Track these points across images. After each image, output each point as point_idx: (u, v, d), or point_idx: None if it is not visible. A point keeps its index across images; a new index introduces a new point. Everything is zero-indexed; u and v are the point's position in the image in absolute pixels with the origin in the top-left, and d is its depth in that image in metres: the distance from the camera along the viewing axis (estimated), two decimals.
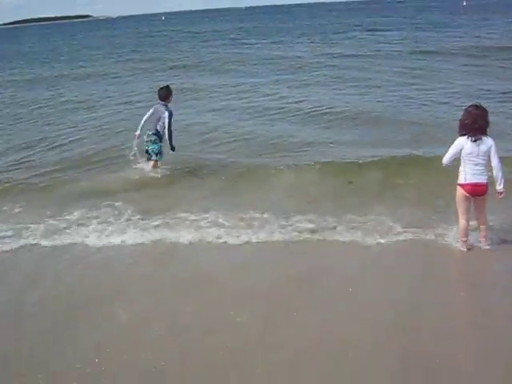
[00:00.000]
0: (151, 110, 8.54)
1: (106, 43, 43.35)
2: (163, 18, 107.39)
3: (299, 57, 23.46)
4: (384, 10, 71.90)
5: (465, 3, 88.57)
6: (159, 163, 8.53)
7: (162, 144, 8.42)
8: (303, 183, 7.80)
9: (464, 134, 5.61)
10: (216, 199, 7.31)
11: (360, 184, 7.64)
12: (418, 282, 5.13)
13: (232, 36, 40.94)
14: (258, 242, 5.97)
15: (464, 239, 5.76)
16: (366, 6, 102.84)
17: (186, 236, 6.19)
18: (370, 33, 34.18)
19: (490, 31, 29.21)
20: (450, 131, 6.90)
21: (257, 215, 6.58)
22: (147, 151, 8.45)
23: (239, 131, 10.94)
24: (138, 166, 8.55)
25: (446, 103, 12.78)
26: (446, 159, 5.77)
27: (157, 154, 8.43)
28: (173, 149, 8.45)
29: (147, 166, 8.48)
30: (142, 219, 6.68)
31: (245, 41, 35.67)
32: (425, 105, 12.84)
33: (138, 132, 8.45)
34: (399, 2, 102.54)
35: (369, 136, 10.25)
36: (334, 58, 22.72)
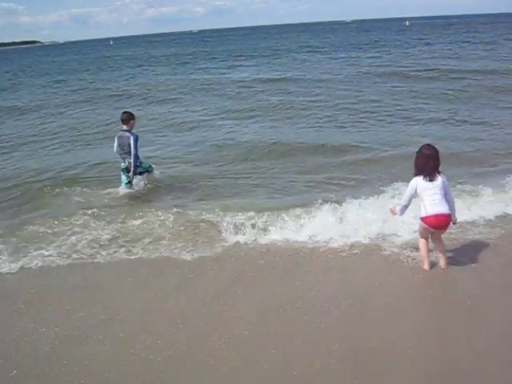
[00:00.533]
0: (116, 141, 8.79)
1: (50, 69, 41.63)
2: (111, 42, 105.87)
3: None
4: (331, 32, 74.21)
5: (408, 23, 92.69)
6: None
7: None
8: None
9: (419, 174, 5.87)
10: None
11: None
12: None
13: (175, 61, 39.94)
14: None
15: (426, 264, 5.94)
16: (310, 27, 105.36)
17: None
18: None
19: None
20: None
21: None
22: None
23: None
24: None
25: None
26: (404, 200, 6.00)
27: (129, 182, 8.84)
28: (134, 173, 8.78)
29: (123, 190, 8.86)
30: None
31: (193, 65, 34.75)
32: None
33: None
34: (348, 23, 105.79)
35: None
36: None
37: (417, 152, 6.01)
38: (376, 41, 47.22)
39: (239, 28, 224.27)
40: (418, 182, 5.86)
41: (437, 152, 5.91)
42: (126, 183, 8.82)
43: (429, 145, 6.05)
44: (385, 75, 22.55)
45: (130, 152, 8.59)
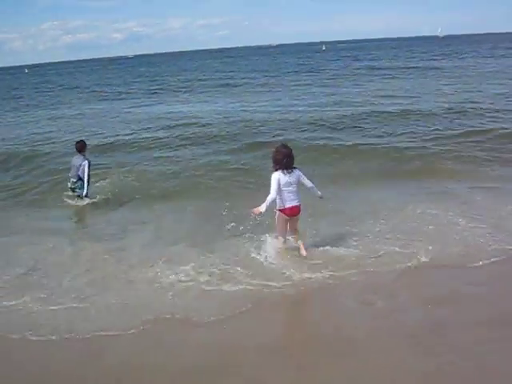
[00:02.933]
0: (72, 160, 10.25)
1: None
2: (26, 70, 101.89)
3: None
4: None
5: (324, 47, 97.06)
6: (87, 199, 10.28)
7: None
8: None
9: (278, 169, 6.74)
10: None
11: None
12: None
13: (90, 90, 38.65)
14: None
15: (282, 247, 7.19)
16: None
17: None
18: None
19: None
20: None
21: None
22: (74, 191, 10.23)
23: None
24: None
25: None
26: (273, 193, 6.70)
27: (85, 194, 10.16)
28: (86, 195, 10.17)
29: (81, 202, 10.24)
30: None
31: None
32: None
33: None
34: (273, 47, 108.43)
35: None
36: None
37: (274, 150, 6.90)
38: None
39: (158, 54, 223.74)
40: (280, 175, 6.73)
41: (291, 150, 6.86)
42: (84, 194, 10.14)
43: (284, 144, 7.06)
44: None
45: (80, 172, 9.96)
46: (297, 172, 6.87)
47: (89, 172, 9.99)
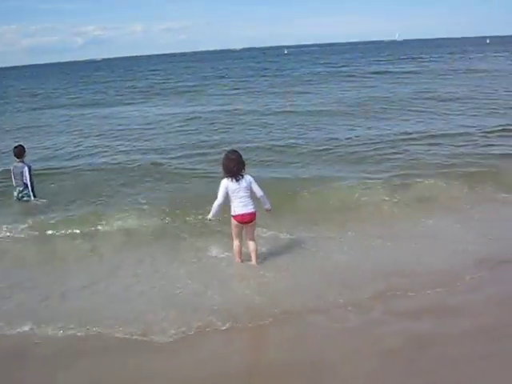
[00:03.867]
0: (12, 169, 9.97)
1: None
2: None
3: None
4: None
5: (286, 51, 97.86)
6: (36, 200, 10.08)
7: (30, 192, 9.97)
8: None
9: (227, 177, 6.68)
10: None
11: None
12: None
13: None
14: None
15: (238, 257, 7.04)
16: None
17: None
18: None
19: None
20: None
21: None
22: (21, 199, 10.01)
23: None
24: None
25: None
26: (218, 199, 6.72)
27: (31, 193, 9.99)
28: (34, 197, 10.04)
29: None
30: None
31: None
32: None
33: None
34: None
35: None
36: None
37: (224, 157, 6.81)
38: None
39: (122, 58, 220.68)
40: (228, 183, 6.69)
41: (240, 156, 6.76)
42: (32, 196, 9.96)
43: (233, 150, 6.93)
44: None
45: (24, 178, 9.82)
46: (248, 178, 6.77)
47: (31, 176, 9.86)
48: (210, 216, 6.92)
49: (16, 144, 10.40)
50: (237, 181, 6.66)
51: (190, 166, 12.89)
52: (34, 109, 28.33)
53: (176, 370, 4.89)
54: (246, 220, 6.78)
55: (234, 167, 6.64)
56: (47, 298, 6.33)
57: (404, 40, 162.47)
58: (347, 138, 15.23)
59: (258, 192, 6.82)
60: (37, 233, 8.63)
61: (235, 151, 6.87)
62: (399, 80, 31.79)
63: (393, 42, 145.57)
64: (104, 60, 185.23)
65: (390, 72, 38.11)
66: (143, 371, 4.85)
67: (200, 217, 8.52)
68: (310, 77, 37.92)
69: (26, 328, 5.55)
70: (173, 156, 14.29)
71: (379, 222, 8.46)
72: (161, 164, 13.15)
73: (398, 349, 4.99)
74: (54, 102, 31.21)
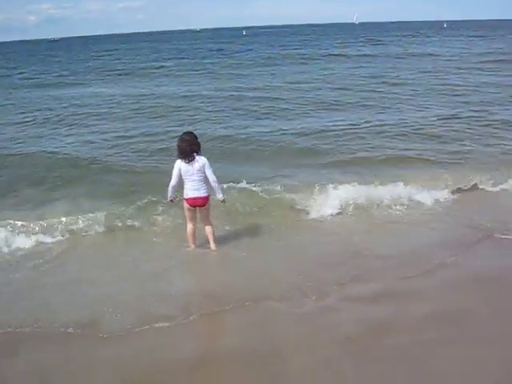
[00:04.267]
0: None
1: None
2: None
3: None
4: None
5: (244, 32, 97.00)
6: None
7: None
8: None
9: (180, 158, 6.59)
10: None
11: None
12: None
13: None
14: None
15: (192, 241, 6.95)
16: None
17: None
18: None
19: None
20: None
21: None
22: None
23: None
24: None
25: None
26: (172, 180, 6.70)
27: None
28: None
29: None
30: None
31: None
32: None
33: None
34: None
35: None
36: None
37: (178, 139, 6.76)
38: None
39: (77, 37, 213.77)
40: (181, 164, 6.63)
41: (195, 137, 6.70)
42: None
43: (189, 132, 6.88)
44: None
45: None
46: (201, 161, 6.66)
47: None
48: (168, 197, 6.94)
49: None
50: (189, 162, 6.59)
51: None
52: None
53: (128, 359, 4.85)
54: (198, 203, 6.72)
55: (187, 147, 6.57)
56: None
57: (361, 22, 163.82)
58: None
59: (211, 177, 6.71)
60: None
61: (190, 132, 6.84)
62: (356, 64, 31.69)
63: (351, 25, 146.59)
64: (62, 39, 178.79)
65: (345, 55, 37.98)
66: (92, 362, 4.82)
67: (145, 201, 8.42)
68: (260, 60, 37.20)
69: None
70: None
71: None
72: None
73: (356, 336, 5.02)
74: (5, 82, 30.11)
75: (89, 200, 8.89)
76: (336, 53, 39.98)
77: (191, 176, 6.63)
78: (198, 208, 6.81)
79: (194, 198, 6.71)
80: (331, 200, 8.33)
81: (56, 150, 12.91)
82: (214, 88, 23.12)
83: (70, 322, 5.37)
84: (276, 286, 5.98)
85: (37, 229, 7.65)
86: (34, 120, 17.67)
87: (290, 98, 19.47)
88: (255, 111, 17.56)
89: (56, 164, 11.59)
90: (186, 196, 6.74)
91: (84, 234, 7.71)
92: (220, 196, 6.91)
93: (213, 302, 5.74)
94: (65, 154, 12.41)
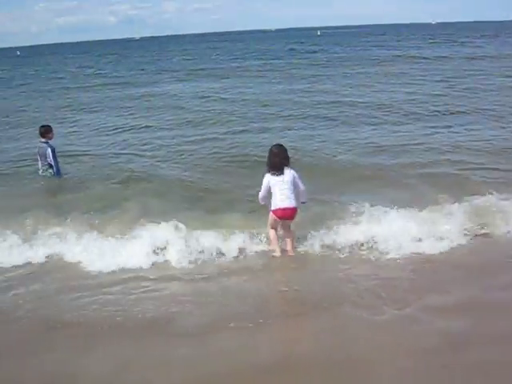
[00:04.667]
0: (36, 150, 10.25)
1: None
2: (18, 53, 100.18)
3: None
4: None
5: (319, 33, 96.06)
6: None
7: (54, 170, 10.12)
8: None
9: (269, 171, 6.68)
10: None
11: None
12: None
13: None
14: None
15: (276, 246, 6.83)
16: None
17: None
18: None
19: None
20: None
21: None
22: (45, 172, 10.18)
23: None
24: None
25: None
26: (261, 197, 6.82)
27: (56, 173, 10.16)
28: (59, 175, 10.23)
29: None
30: None
31: None
32: None
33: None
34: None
35: None
36: None
37: (269, 151, 6.84)
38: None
39: (154, 37, 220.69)
40: (270, 178, 6.70)
41: (284, 150, 6.78)
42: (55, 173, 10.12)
43: (279, 145, 6.93)
44: None
45: (48, 159, 10.01)
46: (290, 173, 6.72)
47: (55, 158, 10.09)
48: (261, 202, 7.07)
49: (44, 123, 10.70)
50: (279, 175, 6.66)
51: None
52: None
53: (201, 359, 4.87)
54: (287, 215, 6.70)
55: (278, 161, 6.67)
56: None
57: (439, 23, 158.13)
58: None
59: (301, 188, 6.83)
60: None
61: (280, 145, 6.92)
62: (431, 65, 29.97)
63: (427, 25, 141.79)
64: (142, 39, 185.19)
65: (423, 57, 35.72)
66: (167, 359, 4.87)
67: None
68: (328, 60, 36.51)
69: None
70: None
71: None
72: None
73: (435, 348, 4.78)
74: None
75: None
76: (412, 54, 38.43)
77: (281, 189, 6.65)
78: (283, 220, 6.80)
79: (284, 209, 6.67)
80: None
81: None
82: (287, 90, 22.91)
83: (146, 319, 5.51)
84: (355, 292, 5.90)
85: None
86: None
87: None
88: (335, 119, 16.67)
89: None
90: (274, 208, 6.73)
91: None
92: (304, 199, 7.02)
93: (290, 306, 5.78)
94: None
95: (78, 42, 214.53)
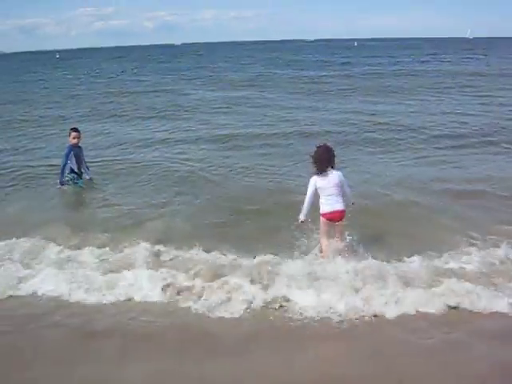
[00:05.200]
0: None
1: None
2: (58, 55, 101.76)
3: None
4: None
5: (356, 44, 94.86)
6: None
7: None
8: None
9: (316, 173, 6.52)
10: None
11: None
12: None
13: None
14: None
15: (328, 255, 6.44)
16: None
17: None
18: None
19: None
20: None
21: None
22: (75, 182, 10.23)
23: None
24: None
25: None
26: (306, 199, 6.56)
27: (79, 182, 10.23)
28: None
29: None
30: None
31: None
32: None
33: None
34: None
35: None
36: None
37: (315, 152, 6.62)
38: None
39: (191, 44, 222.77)
40: (316, 180, 6.54)
41: (330, 150, 6.58)
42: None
43: (325, 145, 6.69)
44: None
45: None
46: (336, 173, 6.55)
47: (66, 159, 10.12)
48: (300, 217, 6.68)
49: (72, 126, 10.68)
50: (325, 176, 6.51)
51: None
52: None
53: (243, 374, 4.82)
54: (336, 217, 6.54)
55: (326, 162, 6.52)
56: None
57: (475, 37, 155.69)
58: None
59: (347, 190, 6.69)
60: None
61: (327, 145, 6.73)
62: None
63: (464, 39, 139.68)
64: (183, 45, 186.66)
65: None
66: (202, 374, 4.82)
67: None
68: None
69: None
70: None
71: None
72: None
73: (485, 376, 4.61)
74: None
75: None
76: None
77: (327, 190, 6.51)
78: (333, 223, 6.64)
79: (331, 212, 6.54)
80: None
81: None
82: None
83: (184, 333, 5.46)
84: (402, 313, 5.66)
85: None
86: None
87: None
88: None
89: None
90: (323, 211, 6.60)
91: None
92: (352, 201, 6.87)
93: (335, 324, 5.52)
94: None
95: (116, 47, 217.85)
